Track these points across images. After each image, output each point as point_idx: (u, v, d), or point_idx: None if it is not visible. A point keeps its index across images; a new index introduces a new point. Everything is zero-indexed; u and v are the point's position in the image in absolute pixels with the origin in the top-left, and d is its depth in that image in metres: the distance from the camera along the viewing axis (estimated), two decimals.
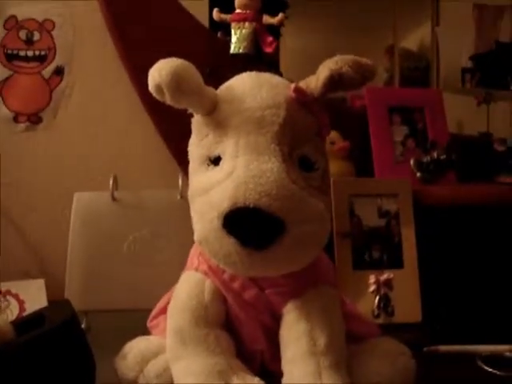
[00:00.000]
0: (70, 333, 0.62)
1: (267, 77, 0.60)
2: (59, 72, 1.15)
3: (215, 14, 0.98)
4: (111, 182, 0.94)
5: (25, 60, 1.14)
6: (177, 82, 0.53)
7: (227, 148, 0.55)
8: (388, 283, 0.93)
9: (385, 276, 0.93)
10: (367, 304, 0.93)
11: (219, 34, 1.08)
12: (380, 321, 0.91)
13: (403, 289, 0.94)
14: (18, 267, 1.09)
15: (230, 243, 0.51)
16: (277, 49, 1.11)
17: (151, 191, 0.96)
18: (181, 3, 1.14)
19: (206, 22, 1.14)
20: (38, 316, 0.65)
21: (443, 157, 1.09)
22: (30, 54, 1.14)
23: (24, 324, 0.63)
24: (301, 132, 0.56)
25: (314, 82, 0.57)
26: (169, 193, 0.94)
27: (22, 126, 1.14)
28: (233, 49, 0.96)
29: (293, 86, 0.57)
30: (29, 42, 1.14)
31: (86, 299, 0.89)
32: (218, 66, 0.97)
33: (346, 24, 1.39)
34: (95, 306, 0.89)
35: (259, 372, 0.59)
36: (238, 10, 0.96)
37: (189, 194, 0.59)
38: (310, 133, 0.58)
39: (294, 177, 0.53)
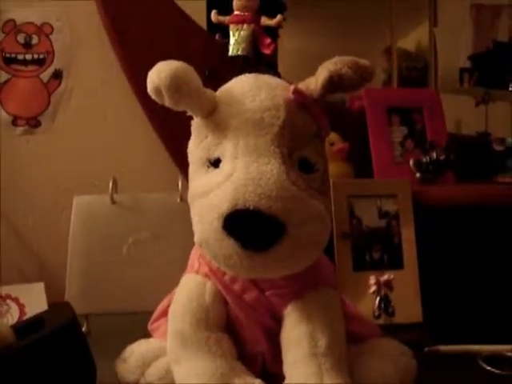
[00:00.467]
0: (70, 336, 0.62)
1: (266, 78, 0.60)
2: (58, 76, 1.15)
3: (213, 16, 0.98)
4: (111, 184, 0.94)
5: (23, 64, 1.14)
6: (176, 85, 0.53)
7: (227, 150, 0.55)
8: (388, 284, 0.93)
9: (385, 277, 0.93)
10: (368, 305, 0.93)
11: (217, 36, 1.09)
12: (381, 321, 0.91)
13: (404, 289, 0.94)
14: (17, 271, 1.09)
15: (230, 245, 0.51)
16: (275, 50, 1.11)
17: (151, 194, 0.96)
18: (179, 5, 1.14)
19: (203, 24, 1.14)
20: (38, 319, 0.65)
21: (442, 157, 1.09)
22: (28, 57, 1.14)
23: (24, 328, 0.63)
24: (300, 133, 0.56)
25: (313, 84, 0.57)
26: (168, 196, 0.94)
27: (20, 129, 1.14)
28: (231, 51, 0.96)
29: (292, 87, 0.57)
30: (27, 45, 1.14)
31: (86, 302, 0.89)
32: (217, 67, 0.97)
33: (344, 25, 1.39)
34: (95, 309, 0.89)
35: (260, 374, 0.59)
36: (236, 12, 0.96)
37: (189, 196, 0.59)
38: (309, 134, 0.57)
39: (294, 178, 0.53)
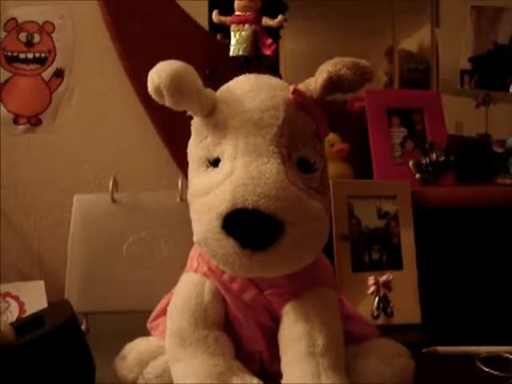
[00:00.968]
0: (69, 334, 0.63)
1: (266, 79, 0.60)
2: (59, 74, 1.16)
3: (215, 16, 0.98)
4: (111, 183, 0.94)
5: (25, 62, 1.14)
6: (176, 85, 0.53)
7: (226, 150, 0.55)
8: (387, 284, 0.93)
9: (384, 277, 0.93)
10: (367, 305, 0.93)
11: (219, 37, 1.09)
12: (379, 322, 0.91)
13: (402, 290, 0.94)
14: (17, 269, 1.09)
15: (228, 244, 0.51)
16: (276, 51, 1.11)
17: (151, 193, 0.96)
18: (180, 5, 1.14)
19: (205, 25, 1.15)
20: (38, 317, 0.65)
21: (442, 158, 1.10)
22: (30, 56, 1.14)
23: (24, 325, 0.64)
24: (299, 134, 0.57)
25: (313, 84, 0.57)
26: (168, 195, 0.94)
27: (21, 127, 1.14)
28: (232, 51, 0.96)
29: (291, 87, 0.57)
30: (29, 44, 1.14)
31: (85, 301, 0.89)
32: (218, 67, 0.97)
33: (346, 26, 1.40)
34: (95, 307, 0.90)
35: (258, 373, 0.59)
36: (237, 12, 0.96)
37: (188, 195, 0.59)
38: (308, 134, 0.58)
39: (293, 178, 0.54)
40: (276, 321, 0.61)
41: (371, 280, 0.93)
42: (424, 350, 0.79)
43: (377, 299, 0.93)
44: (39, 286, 0.92)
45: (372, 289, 0.93)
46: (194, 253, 0.66)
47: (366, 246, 0.97)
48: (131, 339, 0.68)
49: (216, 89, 0.61)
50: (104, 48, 1.13)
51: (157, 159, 1.15)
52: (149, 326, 0.72)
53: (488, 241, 1.05)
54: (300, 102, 0.57)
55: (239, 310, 0.61)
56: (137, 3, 1.11)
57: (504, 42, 1.43)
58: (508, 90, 1.15)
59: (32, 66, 1.14)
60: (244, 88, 0.58)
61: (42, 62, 1.14)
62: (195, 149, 0.59)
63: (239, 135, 0.55)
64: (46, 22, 1.15)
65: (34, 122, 1.15)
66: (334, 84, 0.56)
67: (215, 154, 0.56)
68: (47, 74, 1.15)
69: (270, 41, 0.94)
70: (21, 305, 0.88)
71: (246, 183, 0.51)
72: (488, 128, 1.34)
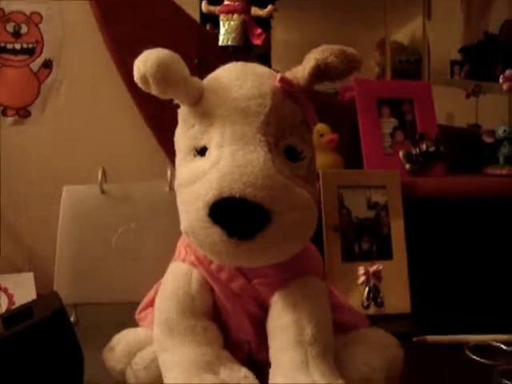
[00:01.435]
0: (57, 325, 0.62)
1: (253, 67, 0.60)
2: (48, 65, 1.15)
3: (204, 5, 0.98)
4: (100, 174, 0.94)
5: (12, 53, 1.13)
6: (162, 73, 0.52)
7: (213, 138, 0.55)
8: (377, 274, 0.94)
9: (374, 267, 0.94)
10: (357, 295, 0.94)
11: (208, 26, 1.08)
12: (370, 312, 0.92)
13: (392, 280, 0.95)
14: (7, 261, 1.09)
15: (215, 233, 0.51)
16: (267, 42, 1.11)
17: (140, 183, 0.96)
18: None
19: (196, 15, 1.14)
20: (26, 309, 0.65)
21: (432, 149, 1.10)
22: (17, 46, 1.13)
23: (12, 317, 0.63)
24: (287, 122, 0.56)
25: (300, 72, 0.57)
26: (157, 185, 0.94)
27: (10, 119, 1.13)
28: (221, 41, 0.95)
29: (278, 75, 0.57)
30: (16, 34, 1.13)
31: (74, 292, 0.89)
32: (207, 57, 0.97)
33: (338, 18, 1.39)
34: (84, 299, 0.89)
35: (247, 362, 0.59)
36: (226, 2, 0.95)
37: (175, 184, 0.59)
38: (296, 123, 0.57)
39: (280, 167, 0.53)
40: (264, 310, 0.60)
41: (361, 270, 0.93)
42: (414, 339, 0.80)
43: (367, 289, 0.93)
44: (28, 277, 0.91)
45: (362, 279, 0.93)
46: (181, 242, 0.65)
47: (355, 236, 0.98)
48: (120, 330, 0.68)
49: (205, 78, 0.60)
50: (93, 39, 1.13)
51: (146, 149, 1.15)
52: (137, 316, 0.71)
53: (478, 231, 1.06)
54: (287, 90, 0.57)
55: (227, 299, 0.60)
56: None
57: (494, 31, 1.43)
58: (498, 80, 1.14)
59: (20, 57, 1.13)
60: (231, 76, 0.58)
61: (30, 52, 1.13)
62: (182, 138, 0.59)
63: (226, 123, 0.54)
64: (34, 12, 1.13)
65: (23, 113, 1.14)
66: (321, 72, 0.56)
67: (202, 143, 0.56)
68: (35, 64, 1.14)
69: (259, 30, 0.94)
70: (10, 297, 0.88)
71: (232, 172, 0.51)
72: (478, 118, 1.34)
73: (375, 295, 0.93)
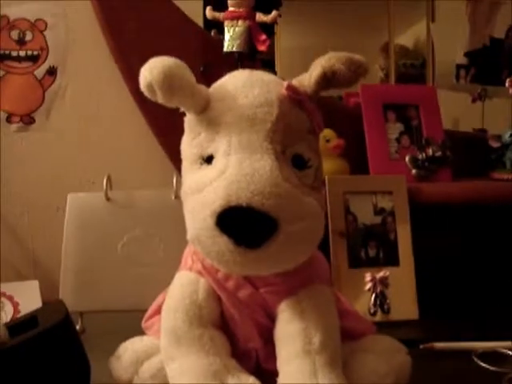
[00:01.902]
0: (63, 334, 0.62)
1: (260, 74, 0.59)
2: (52, 72, 1.15)
3: (208, 12, 0.98)
4: (105, 182, 0.94)
5: (17, 60, 1.13)
6: (169, 81, 0.52)
7: (220, 146, 0.55)
8: (384, 281, 0.93)
9: (381, 274, 0.93)
10: (364, 302, 0.93)
11: (213, 33, 1.08)
12: (376, 318, 0.92)
13: (399, 286, 0.95)
14: (12, 269, 1.09)
15: (222, 242, 0.51)
16: (271, 48, 1.11)
17: (145, 191, 0.96)
18: (175, 2, 1.13)
19: (200, 21, 1.14)
20: (32, 317, 0.65)
21: (438, 153, 1.10)
22: (22, 54, 1.13)
23: (17, 326, 0.63)
24: (293, 130, 0.56)
25: (307, 80, 0.57)
26: (163, 193, 0.94)
27: (14, 126, 1.13)
28: (226, 47, 0.95)
29: (285, 83, 0.57)
30: (21, 42, 1.13)
31: (80, 300, 0.89)
32: (212, 64, 0.97)
33: (341, 22, 1.39)
34: (90, 306, 0.89)
35: (254, 371, 0.59)
36: (231, 8, 0.95)
37: (182, 192, 0.59)
38: (302, 131, 0.57)
39: (287, 175, 0.53)
40: (272, 319, 0.60)
41: (368, 276, 0.93)
42: (421, 347, 0.79)
43: (373, 296, 0.93)
44: (34, 285, 0.91)
45: (369, 285, 0.93)
46: (188, 251, 0.65)
47: (362, 243, 0.97)
48: (126, 338, 0.67)
49: (210, 85, 0.60)
50: (97, 45, 1.13)
51: (151, 157, 1.15)
52: (143, 325, 0.71)
53: (485, 236, 1.06)
54: (294, 98, 0.56)
55: (234, 308, 0.60)
56: (130, 2, 1.10)
57: (500, 36, 1.43)
58: (504, 84, 1.14)
59: (24, 64, 1.14)
60: (237, 84, 0.57)
61: (34, 59, 1.14)
62: (188, 146, 0.59)
63: (232, 132, 0.54)
64: (38, 19, 1.14)
65: (27, 120, 1.14)
66: (328, 79, 0.55)
67: (209, 151, 0.56)
68: (40, 71, 1.14)
69: (264, 36, 0.94)
70: (15, 305, 0.87)
71: (239, 180, 0.50)
72: (484, 123, 1.34)
73: (382, 302, 0.93)
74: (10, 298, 0.88)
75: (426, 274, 0.96)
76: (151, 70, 0.52)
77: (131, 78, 1.06)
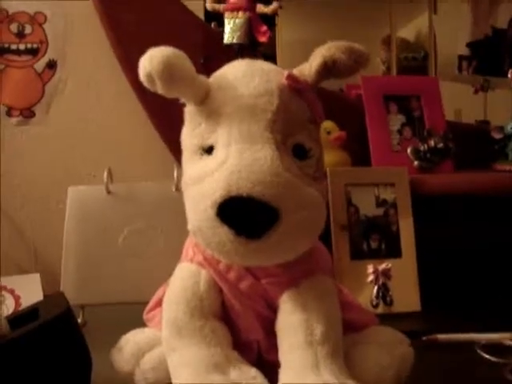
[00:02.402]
0: (64, 326, 0.62)
1: (260, 64, 0.59)
2: (52, 66, 1.15)
3: (208, 3, 0.98)
4: (106, 174, 0.94)
5: (17, 53, 1.13)
6: (168, 71, 0.52)
7: (220, 137, 0.54)
8: (386, 273, 0.93)
9: (383, 266, 0.93)
10: (366, 294, 0.93)
11: (213, 25, 1.08)
12: (379, 310, 0.92)
13: (402, 278, 0.94)
14: (13, 262, 1.09)
15: (223, 232, 0.50)
16: (272, 41, 1.10)
17: (146, 184, 0.96)
18: None
19: (200, 13, 1.14)
20: (33, 310, 0.65)
21: (440, 145, 1.09)
22: (21, 47, 1.13)
23: (18, 319, 0.63)
24: (294, 120, 0.56)
25: (307, 69, 0.56)
26: (164, 185, 0.94)
27: (14, 120, 1.13)
28: (226, 39, 0.95)
29: (285, 72, 0.56)
30: (20, 35, 1.13)
31: (81, 293, 0.89)
32: (212, 55, 0.96)
33: (343, 15, 1.39)
34: (91, 299, 0.89)
35: (256, 362, 0.59)
36: (231, 0, 0.95)
37: (182, 183, 0.58)
38: (303, 120, 0.57)
39: (288, 165, 0.53)
40: (273, 310, 0.60)
41: (370, 268, 0.93)
42: (424, 338, 0.79)
43: (376, 288, 0.93)
44: (35, 279, 0.91)
45: (371, 277, 0.93)
46: (189, 242, 0.65)
47: (364, 235, 0.97)
48: (127, 331, 0.67)
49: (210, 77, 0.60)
50: (96, 38, 1.13)
51: (151, 149, 1.15)
52: (145, 317, 0.71)
53: (487, 227, 1.05)
54: (294, 88, 0.56)
55: (236, 299, 0.60)
56: None
57: (503, 26, 1.42)
58: (507, 75, 1.14)
59: (24, 58, 1.13)
60: (237, 74, 0.57)
61: (34, 53, 1.13)
62: (189, 137, 0.58)
63: (233, 122, 0.54)
64: (38, 12, 1.14)
65: (27, 114, 1.14)
66: (328, 69, 0.55)
67: (209, 142, 0.56)
68: (40, 65, 1.14)
69: (264, 28, 0.93)
70: (16, 298, 0.87)
71: (240, 170, 0.50)
72: (487, 114, 1.33)
73: (384, 294, 0.93)
74: (12, 292, 0.88)
75: (428, 266, 0.96)
76: (151, 60, 0.52)
77: (131, 69, 1.06)
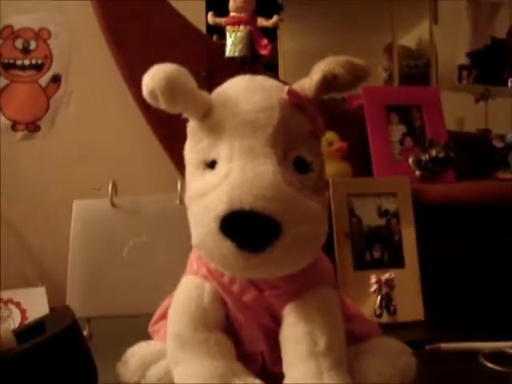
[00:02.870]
0: (70, 339, 0.62)
1: (260, 80, 0.60)
2: (56, 80, 1.16)
3: (210, 17, 0.98)
4: (110, 188, 0.94)
5: (21, 69, 1.14)
6: (171, 88, 0.53)
7: (222, 152, 0.55)
8: (389, 282, 0.93)
9: (386, 275, 0.93)
10: (369, 303, 0.93)
11: (215, 38, 1.09)
12: (382, 320, 0.92)
13: (405, 288, 0.94)
14: (19, 275, 1.09)
15: (226, 246, 0.51)
16: (274, 51, 1.11)
17: (150, 197, 0.96)
18: (177, 7, 1.14)
19: (202, 26, 1.15)
20: (39, 324, 0.65)
21: (442, 155, 1.09)
22: (26, 62, 1.14)
23: (25, 332, 0.64)
24: (295, 134, 0.56)
25: (308, 84, 0.57)
26: (168, 198, 0.94)
27: (19, 134, 1.14)
28: (228, 52, 0.96)
29: (286, 88, 0.57)
30: (25, 50, 1.14)
31: (87, 306, 0.89)
32: (214, 69, 0.97)
33: (344, 24, 1.39)
34: (97, 312, 0.89)
35: (260, 374, 0.59)
36: (232, 14, 0.96)
37: (186, 198, 0.59)
38: (304, 134, 0.57)
39: (290, 179, 0.53)
40: (277, 321, 0.60)
41: (373, 278, 0.93)
42: (427, 348, 0.79)
43: (379, 297, 0.93)
44: (40, 292, 0.92)
45: (374, 287, 0.93)
46: (193, 255, 0.66)
47: (367, 245, 0.97)
48: (134, 343, 0.68)
49: (213, 89, 0.61)
50: (100, 53, 1.14)
51: (155, 162, 1.15)
52: (150, 329, 0.71)
53: (490, 237, 1.05)
54: (295, 103, 0.57)
55: (240, 311, 0.60)
56: (132, 7, 1.11)
57: (501, 36, 1.43)
58: (507, 84, 1.14)
59: (29, 73, 1.14)
60: (239, 89, 0.58)
61: (38, 68, 1.15)
62: (191, 152, 0.59)
63: (235, 137, 0.55)
64: (42, 28, 1.15)
65: (32, 128, 1.15)
66: (328, 83, 0.56)
67: (211, 156, 0.56)
68: (44, 80, 1.15)
69: (265, 41, 0.94)
70: (22, 311, 0.88)
71: (242, 185, 0.51)
72: (488, 123, 1.34)
73: (388, 303, 0.93)
74: (18, 305, 0.88)
75: (431, 275, 0.96)
76: (153, 77, 0.53)
77: (134, 84, 1.07)
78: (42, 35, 1.15)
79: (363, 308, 0.89)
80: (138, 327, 0.75)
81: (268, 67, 1.14)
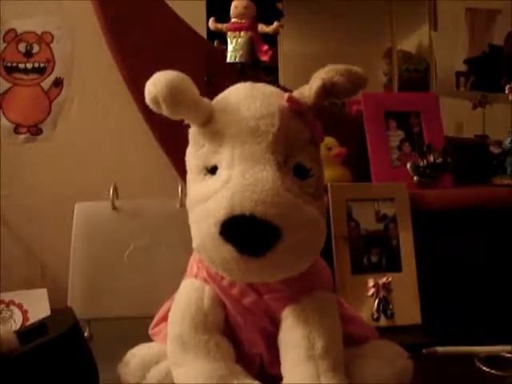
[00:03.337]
0: (72, 341, 0.63)
1: (261, 87, 0.61)
2: (58, 84, 1.16)
3: (211, 23, 0.99)
4: (111, 191, 0.95)
5: (24, 72, 1.15)
6: (173, 94, 0.54)
7: (223, 158, 0.56)
8: (387, 286, 0.94)
9: (384, 279, 0.94)
10: (367, 307, 0.94)
11: (216, 43, 1.10)
12: (380, 324, 0.92)
13: (402, 292, 0.95)
14: (20, 277, 1.10)
15: (226, 250, 0.52)
16: (274, 57, 1.12)
17: (151, 200, 0.97)
18: (178, 13, 1.15)
19: (203, 32, 1.15)
20: (41, 325, 0.66)
21: (439, 160, 1.10)
22: (29, 66, 1.15)
23: (27, 333, 0.64)
24: (295, 140, 0.58)
25: (307, 91, 0.58)
26: (168, 201, 0.94)
27: (22, 137, 1.15)
28: (229, 58, 0.97)
29: (286, 95, 0.58)
30: (28, 54, 1.15)
31: (88, 308, 0.90)
32: (216, 74, 0.98)
33: (344, 28, 1.40)
34: (98, 314, 0.90)
35: (258, 376, 0.60)
36: (233, 20, 0.97)
37: (187, 202, 0.60)
38: (303, 141, 0.59)
39: (289, 184, 0.54)
40: (276, 324, 0.61)
41: (371, 282, 0.94)
42: (424, 351, 0.80)
43: (377, 301, 0.94)
44: (42, 294, 0.92)
45: (372, 291, 0.94)
46: (193, 259, 0.67)
47: (365, 249, 0.98)
48: (134, 345, 0.69)
49: (214, 95, 0.62)
50: (102, 57, 1.14)
51: (156, 166, 1.16)
52: (151, 331, 0.72)
53: (487, 242, 1.06)
54: (295, 110, 0.58)
55: (239, 314, 0.61)
56: (134, 12, 1.12)
57: (499, 43, 1.44)
58: (504, 90, 1.15)
59: (31, 76, 1.15)
60: (240, 97, 0.59)
61: (41, 71, 1.15)
62: (193, 157, 0.60)
63: (235, 143, 0.56)
64: (45, 32, 1.15)
65: (34, 131, 1.15)
66: (327, 91, 0.57)
67: (212, 162, 0.57)
68: (46, 83, 1.16)
69: (266, 47, 0.95)
70: (24, 313, 0.88)
71: (242, 190, 0.52)
72: (485, 129, 1.34)
73: (385, 307, 0.93)
74: (20, 306, 0.89)
75: (428, 279, 0.97)
76: (156, 84, 0.54)
77: (136, 88, 1.07)
78: (44, 39, 1.15)
79: (361, 312, 0.89)
80: (138, 329, 0.75)
81: (268, 70, 1.15)
